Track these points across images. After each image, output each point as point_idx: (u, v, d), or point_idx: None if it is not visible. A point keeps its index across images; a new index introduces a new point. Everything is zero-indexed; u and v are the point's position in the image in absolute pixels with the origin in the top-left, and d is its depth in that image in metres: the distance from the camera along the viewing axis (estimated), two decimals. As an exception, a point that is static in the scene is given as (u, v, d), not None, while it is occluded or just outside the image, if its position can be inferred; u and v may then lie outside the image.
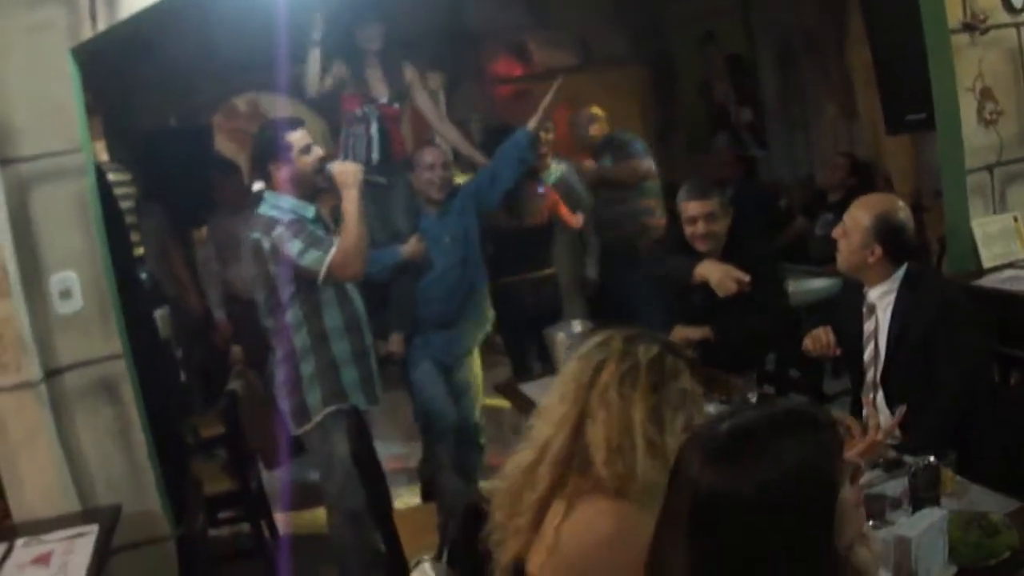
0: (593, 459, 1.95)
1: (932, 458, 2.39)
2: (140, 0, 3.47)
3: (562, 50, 8.79)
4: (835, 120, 7.53)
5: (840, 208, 6.04)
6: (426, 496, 4.98)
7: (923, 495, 2.34)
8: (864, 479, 2.60)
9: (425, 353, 4.75)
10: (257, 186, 3.94)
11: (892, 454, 2.72)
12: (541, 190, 5.48)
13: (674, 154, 8.91)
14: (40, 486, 3.46)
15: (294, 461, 4.88)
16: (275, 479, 5.09)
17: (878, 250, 3.16)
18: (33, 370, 3.42)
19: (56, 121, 3.44)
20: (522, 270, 5.43)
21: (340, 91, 4.85)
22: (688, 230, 4.11)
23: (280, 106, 7.89)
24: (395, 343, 4.68)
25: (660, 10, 8.96)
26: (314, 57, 4.68)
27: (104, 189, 3.75)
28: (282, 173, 3.71)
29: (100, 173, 3.77)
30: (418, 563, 2.54)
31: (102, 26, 3.44)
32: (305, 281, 3.69)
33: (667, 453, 1.84)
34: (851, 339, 3.37)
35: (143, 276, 4.32)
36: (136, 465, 3.66)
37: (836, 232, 3.28)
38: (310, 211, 3.75)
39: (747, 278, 3.95)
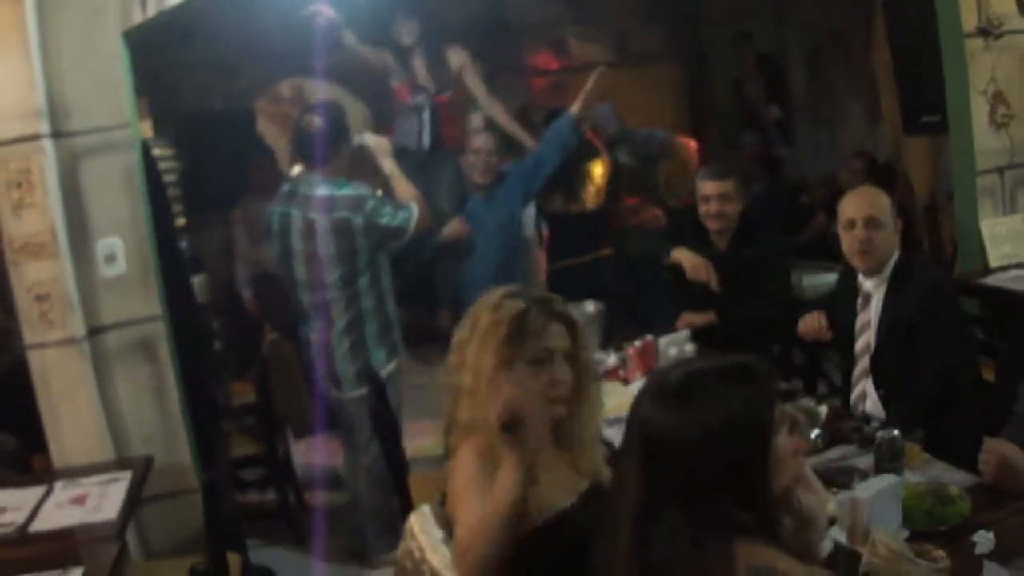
0: (459, 404, 2.20)
1: (896, 432, 2.58)
2: None
3: (599, 45, 8.91)
4: (859, 120, 7.62)
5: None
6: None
7: (886, 466, 2.53)
8: (839, 453, 2.82)
9: None
10: (296, 170, 4.19)
11: (870, 430, 2.89)
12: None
13: (707, 150, 9.02)
14: (79, 436, 3.71)
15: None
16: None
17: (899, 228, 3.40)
18: (77, 327, 3.67)
19: (107, 99, 3.68)
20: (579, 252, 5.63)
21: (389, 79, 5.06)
22: (702, 208, 4.30)
23: (323, 92, 8.16)
24: (443, 318, 4.91)
25: (694, 8, 9.05)
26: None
27: (149, 163, 3.99)
28: (345, 152, 4.04)
29: (146, 148, 4.01)
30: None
31: (151, 12, 3.67)
32: (376, 247, 4.02)
33: (515, 389, 2.07)
34: (845, 327, 3.55)
35: (183, 245, 4.56)
36: (169, 421, 3.89)
37: (856, 234, 3.40)
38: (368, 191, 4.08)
39: (712, 272, 4.19)
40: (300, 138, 4.04)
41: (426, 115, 5.11)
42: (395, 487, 3.58)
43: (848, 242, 3.46)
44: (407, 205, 4.05)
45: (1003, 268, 4.86)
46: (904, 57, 5.57)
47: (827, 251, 6.47)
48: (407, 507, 3.38)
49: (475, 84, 5.39)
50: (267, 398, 4.60)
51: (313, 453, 5.39)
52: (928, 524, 2.30)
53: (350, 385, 4.14)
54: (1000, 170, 4.95)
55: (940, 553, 2.08)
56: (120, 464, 3.65)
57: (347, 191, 3.98)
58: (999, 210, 4.99)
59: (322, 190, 3.97)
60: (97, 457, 3.69)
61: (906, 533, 2.26)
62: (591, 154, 5.72)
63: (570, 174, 5.31)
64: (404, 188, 4.14)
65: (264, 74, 7.94)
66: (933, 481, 2.52)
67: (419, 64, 5.10)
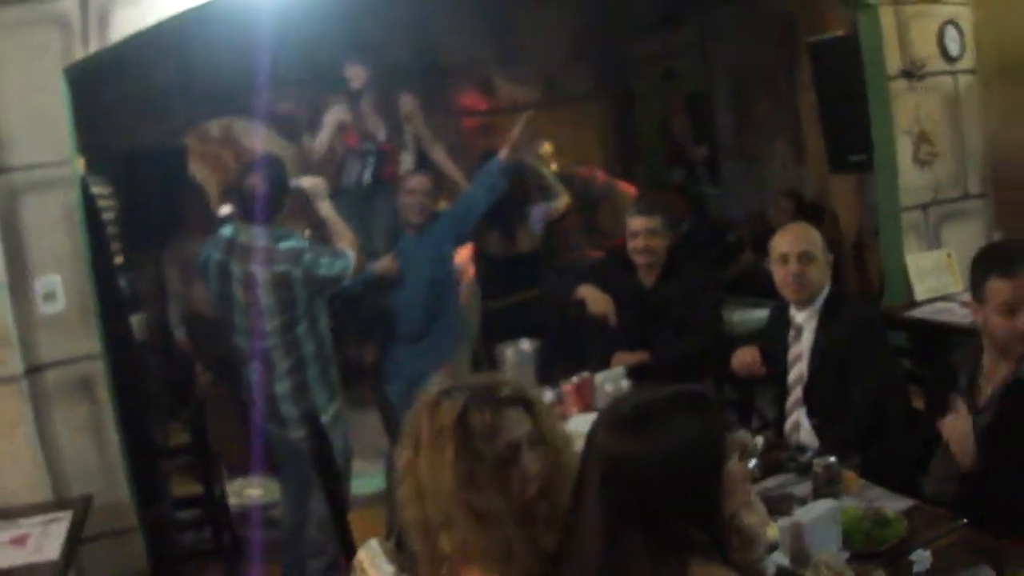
0: (438, 537, 1.89)
1: (832, 459, 2.67)
2: (131, 24, 3.70)
3: (527, 86, 9.06)
4: (785, 159, 7.81)
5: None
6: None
7: (824, 491, 2.62)
8: (776, 481, 2.90)
9: (394, 365, 5.03)
10: (225, 210, 4.23)
11: (806, 459, 2.98)
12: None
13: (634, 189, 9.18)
14: (17, 476, 3.64)
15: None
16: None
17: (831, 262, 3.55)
18: (15, 365, 3.62)
19: (47, 135, 3.66)
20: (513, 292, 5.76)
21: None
22: (631, 244, 4.38)
23: (252, 132, 8.18)
24: (369, 353, 5.01)
25: (622, 48, 9.25)
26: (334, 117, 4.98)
27: (88, 200, 3.97)
28: (281, 212, 4.06)
29: (84, 185, 4.00)
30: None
31: (93, 48, 3.67)
32: (313, 295, 4.03)
33: (493, 511, 1.81)
34: (777, 360, 3.65)
35: (122, 283, 4.54)
36: (108, 460, 3.85)
37: (789, 268, 3.52)
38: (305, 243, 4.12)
39: (611, 308, 4.32)
40: (240, 196, 4.06)
41: (371, 159, 5.18)
42: (337, 525, 3.58)
43: (781, 276, 3.57)
44: (344, 252, 4.07)
45: (929, 301, 5.03)
46: (830, 98, 5.73)
47: (754, 288, 6.63)
48: (349, 545, 3.41)
49: (421, 129, 5.52)
50: (203, 438, 4.57)
51: (248, 492, 5.36)
52: (867, 545, 2.39)
53: (293, 426, 4.14)
54: (924, 206, 5.14)
55: (880, 573, 2.18)
56: (59, 504, 3.59)
57: (286, 244, 4.00)
58: (924, 245, 5.18)
59: (261, 242, 3.99)
60: (35, 497, 3.64)
61: (846, 555, 2.34)
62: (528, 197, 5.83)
63: (508, 216, 5.42)
64: (342, 232, 4.17)
65: (195, 112, 7.95)
66: (870, 505, 2.61)
67: (368, 110, 5.21)
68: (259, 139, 8.13)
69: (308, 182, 4.23)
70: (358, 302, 4.93)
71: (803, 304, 3.56)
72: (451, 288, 5.21)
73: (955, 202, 5.26)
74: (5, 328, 3.60)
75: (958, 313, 4.79)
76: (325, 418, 4.06)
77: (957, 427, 2.67)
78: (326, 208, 4.18)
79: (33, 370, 3.70)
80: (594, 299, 4.40)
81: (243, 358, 4.18)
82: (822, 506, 2.39)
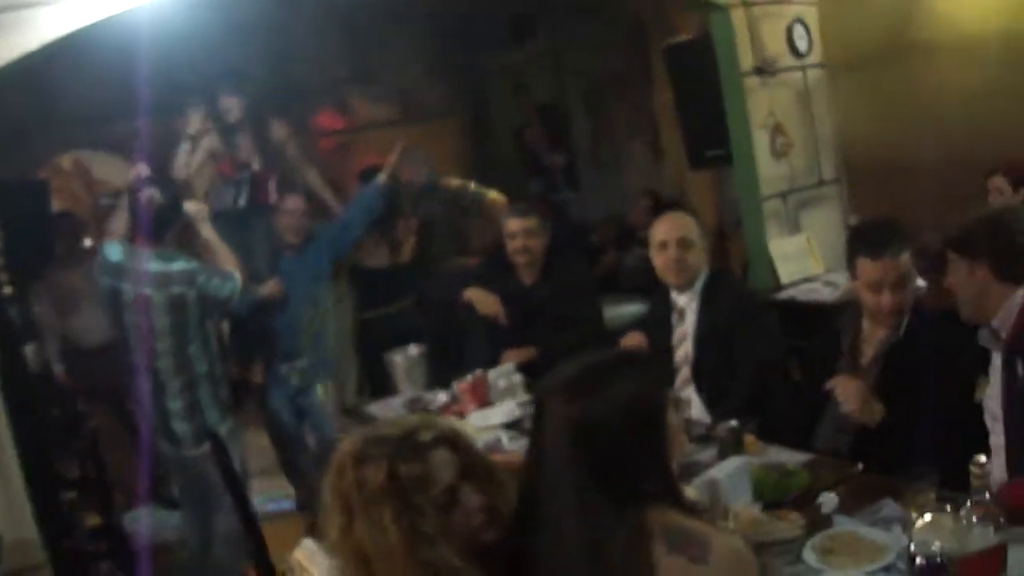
0: None
1: (734, 422, 2.82)
2: (12, 49, 3.66)
3: (383, 102, 9.13)
4: (642, 159, 8.06)
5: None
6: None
7: (730, 452, 2.77)
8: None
9: (277, 381, 5.11)
10: (88, 242, 4.22)
11: (702, 431, 3.13)
12: None
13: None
14: None
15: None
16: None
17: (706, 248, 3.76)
18: (-96, 408, 3.51)
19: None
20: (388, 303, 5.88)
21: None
22: (510, 245, 4.51)
23: (101, 162, 8.01)
24: (256, 373, 5.09)
25: (475, 62, 9.37)
26: (185, 149, 4.97)
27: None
28: (170, 234, 4.08)
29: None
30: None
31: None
32: (203, 315, 4.09)
33: (446, 563, 1.75)
34: (661, 341, 3.81)
35: (11, 314, 4.40)
36: (11, 496, 3.75)
37: (669, 253, 3.69)
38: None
39: (500, 308, 4.45)
40: (135, 214, 4.06)
41: (244, 186, 5.26)
42: (250, 540, 3.57)
43: (662, 261, 3.75)
44: (232, 274, 4.15)
45: (794, 284, 5.29)
46: (686, 97, 5.98)
47: (618, 285, 6.83)
48: (264, 558, 3.40)
49: (294, 153, 5.61)
50: (100, 469, 4.49)
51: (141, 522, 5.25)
52: (776, 495, 2.55)
53: (188, 444, 4.15)
54: (783, 195, 5.43)
55: (795, 515, 2.34)
56: None
57: (179, 266, 4.04)
58: (784, 231, 5.45)
59: (154, 265, 4.00)
60: None
61: (759, 505, 2.47)
62: (399, 210, 5.94)
63: (380, 230, 5.52)
64: (225, 255, 4.25)
65: (52, 144, 7.75)
66: (772, 461, 2.77)
67: (244, 141, 5.27)
68: (112, 170, 8.01)
69: (192, 207, 4.29)
70: (244, 323, 4.95)
71: (684, 287, 3.74)
72: (328, 302, 5.32)
73: (811, 189, 5.56)
74: None
75: (823, 292, 5.09)
76: (222, 432, 4.09)
77: (848, 386, 2.85)
78: (208, 231, 4.26)
79: (-76, 411, 3.59)
80: (482, 300, 4.51)
81: (135, 378, 4.15)
82: (733, 463, 2.54)
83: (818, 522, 2.36)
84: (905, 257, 2.92)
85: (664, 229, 3.77)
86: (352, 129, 8.90)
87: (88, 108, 7.17)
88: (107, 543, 4.58)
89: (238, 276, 4.16)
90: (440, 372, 4.53)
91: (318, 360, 5.22)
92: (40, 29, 3.71)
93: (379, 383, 5.70)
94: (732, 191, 6.17)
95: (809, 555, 2.20)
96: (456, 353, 4.82)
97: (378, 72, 8.93)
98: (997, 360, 2.63)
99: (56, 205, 7.18)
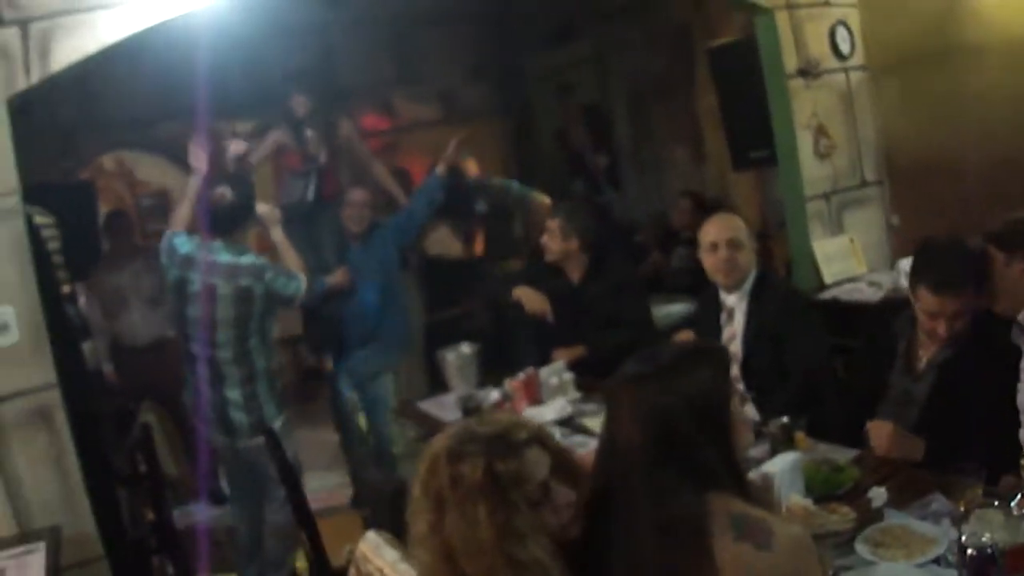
0: None
1: (785, 419, 2.91)
2: (71, 53, 3.74)
3: (426, 104, 9.26)
4: (684, 161, 8.11)
5: (693, 243, 6.65)
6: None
7: (781, 448, 2.85)
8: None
9: (347, 368, 5.35)
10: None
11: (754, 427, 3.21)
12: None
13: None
14: None
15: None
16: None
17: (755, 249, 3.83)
18: (-29, 400, 3.61)
19: (-8, 166, 3.67)
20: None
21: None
22: (541, 241, 4.67)
23: (144, 163, 8.21)
24: (327, 361, 5.39)
25: (518, 64, 9.51)
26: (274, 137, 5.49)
27: (32, 230, 3.99)
28: (240, 231, 4.26)
29: (27, 215, 4.02)
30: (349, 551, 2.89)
31: (36, 78, 3.70)
32: (268, 309, 4.23)
33: (535, 560, 1.79)
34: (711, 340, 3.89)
35: (70, 312, 4.56)
36: (70, 490, 3.84)
37: (719, 255, 3.78)
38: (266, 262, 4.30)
39: (548, 306, 4.58)
40: (210, 209, 4.19)
41: (312, 178, 5.47)
42: (307, 534, 3.67)
43: (712, 262, 3.82)
44: (297, 275, 4.29)
45: (837, 283, 5.35)
46: (730, 99, 6.06)
47: (664, 285, 6.91)
48: (319, 553, 3.51)
49: (360, 148, 5.85)
50: (154, 464, 4.60)
51: (192, 518, 5.39)
52: (827, 489, 2.63)
53: (244, 434, 4.26)
54: (826, 195, 5.47)
55: (846, 508, 2.42)
56: (25, 537, 3.56)
57: (248, 259, 4.19)
58: (828, 232, 5.50)
59: (224, 257, 4.14)
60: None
61: (811, 499, 2.56)
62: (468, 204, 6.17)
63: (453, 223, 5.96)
64: (292, 258, 4.40)
65: (95, 145, 7.96)
66: (822, 457, 2.86)
67: (311, 135, 5.50)
68: (155, 171, 8.21)
69: (264, 209, 4.43)
70: (315, 313, 5.14)
71: (733, 288, 3.81)
72: (397, 293, 5.56)
73: (854, 190, 5.59)
74: (-39, 363, 3.57)
75: (866, 292, 5.13)
76: (276, 427, 4.19)
77: (882, 430, 2.92)
78: (278, 234, 4.40)
79: (-10, 403, 3.68)
80: (530, 299, 4.62)
81: (193, 369, 4.29)
82: (786, 458, 2.61)
83: (869, 516, 2.44)
84: (967, 293, 2.93)
85: (714, 230, 3.85)
86: (397, 130, 9.06)
87: (132, 110, 7.40)
88: (159, 537, 4.71)
89: (303, 278, 4.29)
90: (492, 370, 4.64)
91: (386, 349, 5.44)
92: (99, 32, 3.79)
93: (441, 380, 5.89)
94: (775, 192, 6.23)
95: (862, 547, 2.28)
96: (506, 351, 4.94)
97: (422, 74, 9.08)
98: (1025, 354, 2.74)
99: (103, 206, 7.42)
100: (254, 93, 6.89)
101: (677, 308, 6.00)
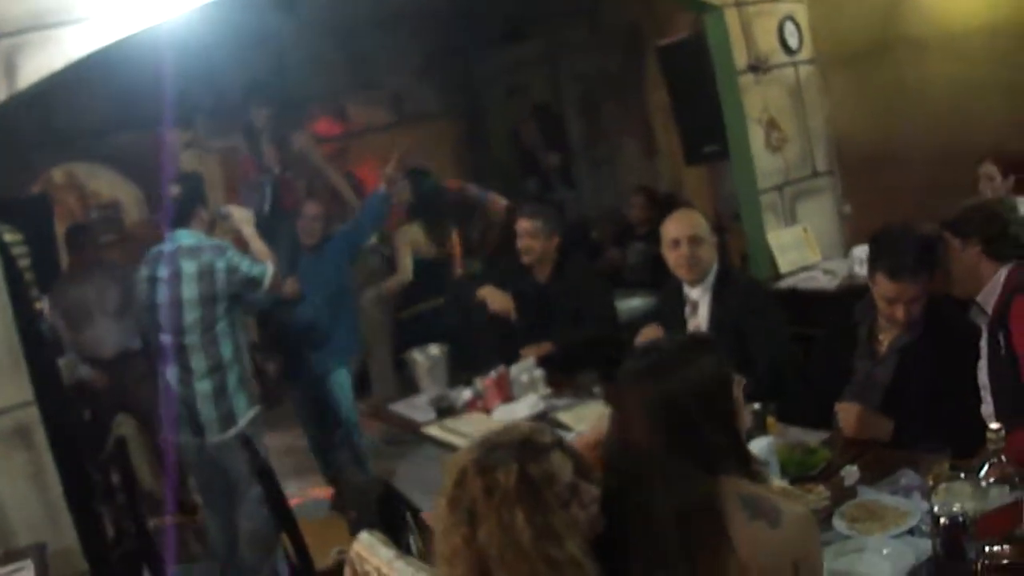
0: None
1: (756, 405, 3.02)
2: (38, 69, 3.77)
3: (377, 108, 9.31)
4: (637, 157, 8.24)
5: (649, 238, 6.79)
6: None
7: (755, 434, 2.94)
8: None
9: (301, 367, 5.46)
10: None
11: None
12: None
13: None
14: None
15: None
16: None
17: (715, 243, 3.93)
18: (-50, 421, 3.62)
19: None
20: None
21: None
22: (520, 243, 4.70)
23: (94, 175, 8.18)
24: (274, 362, 5.51)
25: (467, 66, 9.59)
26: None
27: (2, 247, 4.02)
28: (203, 216, 4.31)
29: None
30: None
31: (3, 96, 3.71)
32: (234, 298, 4.27)
33: (571, 558, 1.83)
34: (676, 333, 4.00)
35: (44, 328, 4.56)
36: (52, 506, 3.88)
37: (681, 251, 3.87)
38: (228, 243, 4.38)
39: (512, 305, 4.66)
40: (186, 198, 4.30)
41: (268, 189, 5.57)
42: (288, 534, 3.71)
43: (674, 258, 3.92)
44: (263, 262, 4.35)
45: (792, 273, 5.49)
46: (681, 96, 6.15)
47: (621, 281, 7.01)
48: (302, 552, 3.55)
49: (317, 159, 5.96)
50: (129, 476, 4.61)
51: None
52: (801, 471, 2.75)
53: (213, 431, 4.28)
54: (779, 187, 5.62)
55: (821, 487, 2.54)
56: (10, 556, 3.55)
57: (208, 240, 4.28)
58: (782, 223, 5.65)
59: (189, 240, 4.23)
60: None
61: (787, 480, 2.67)
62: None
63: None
64: (262, 250, 4.44)
65: (46, 158, 7.92)
66: (793, 440, 2.98)
67: (268, 146, 5.60)
68: (104, 183, 8.19)
69: (236, 211, 4.59)
70: (267, 317, 5.38)
71: (696, 282, 3.92)
72: (347, 299, 5.70)
73: (805, 180, 5.75)
74: (-63, 384, 3.58)
75: (822, 280, 5.29)
76: (243, 422, 4.27)
77: (849, 413, 3.05)
78: (249, 231, 4.49)
79: (-33, 423, 3.68)
80: (494, 298, 4.70)
81: (164, 359, 4.32)
82: (760, 443, 2.72)
83: (843, 494, 2.56)
84: (922, 278, 3.05)
85: (675, 227, 3.93)
86: (349, 135, 9.10)
87: (83, 122, 7.38)
88: (138, 551, 4.73)
89: (270, 265, 4.34)
90: (458, 370, 4.71)
91: (337, 348, 5.55)
92: (65, 48, 3.81)
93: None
94: (728, 185, 6.37)
95: (839, 523, 2.40)
96: (471, 351, 5.02)
97: (373, 77, 9.11)
98: (984, 333, 2.88)
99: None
100: (208, 103, 6.91)
101: (635, 303, 6.10)
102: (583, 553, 1.85)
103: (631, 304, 6.11)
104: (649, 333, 4.06)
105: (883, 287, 3.10)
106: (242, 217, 4.55)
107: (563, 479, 1.88)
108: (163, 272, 4.22)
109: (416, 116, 9.37)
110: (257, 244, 4.45)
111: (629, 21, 7.61)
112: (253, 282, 4.29)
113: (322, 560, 3.68)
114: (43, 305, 4.68)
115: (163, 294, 4.22)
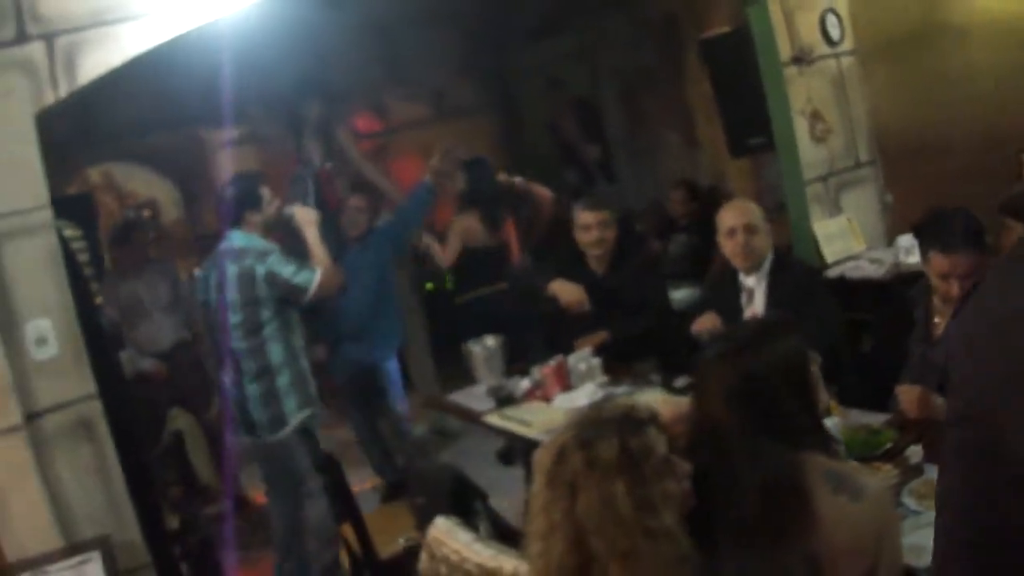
0: (608, 570, 1.89)
1: (820, 389, 3.04)
2: (97, 66, 3.79)
3: (416, 103, 9.35)
4: (678, 149, 8.22)
5: (691, 229, 6.81)
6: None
7: (818, 416, 2.97)
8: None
9: (342, 359, 5.60)
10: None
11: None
12: None
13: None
14: (30, 525, 3.64)
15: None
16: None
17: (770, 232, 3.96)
18: (15, 415, 3.63)
19: (24, 181, 3.70)
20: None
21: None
22: (584, 237, 4.66)
23: (131, 175, 8.27)
24: (319, 351, 5.52)
25: (505, 61, 9.63)
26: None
27: (63, 242, 4.06)
28: (255, 218, 4.30)
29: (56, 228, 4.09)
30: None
31: (63, 92, 3.74)
32: (282, 302, 4.25)
33: (667, 530, 1.88)
34: (732, 322, 4.02)
35: (104, 322, 4.63)
36: (115, 498, 3.88)
37: (737, 239, 3.92)
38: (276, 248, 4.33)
39: (585, 296, 4.60)
40: (236, 199, 4.33)
41: (310, 183, 5.64)
42: (352, 523, 3.76)
43: (731, 247, 3.97)
44: (311, 267, 4.29)
45: (838, 262, 5.50)
46: (725, 88, 6.19)
47: (665, 271, 7.00)
48: (366, 543, 3.60)
49: (354, 154, 6.03)
50: (186, 471, 4.70)
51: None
52: (867, 451, 2.79)
53: (265, 431, 4.30)
54: (824, 178, 5.62)
55: (887, 466, 2.56)
56: (75, 548, 3.60)
57: (256, 243, 4.26)
58: (826, 213, 5.65)
59: (237, 241, 4.26)
60: (47, 544, 3.62)
61: (852, 460, 2.69)
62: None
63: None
64: (321, 256, 4.38)
65: (85, 158, 8.01)
66: (855, 422, 3.00)
67: (311, 141, 5.69)
68: (141, 182, 8.28)
69: (300, 211, 4.53)
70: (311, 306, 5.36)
71: (752, 270, 3.97)
72: (390, 292, 5.78)
73: (849, 171, 5.75)
74: (2, 378, 3.60)
75: (868, 268, 5.29)
76: (294, 423, 4.27)
77: (910, 394, 3.06)
78: (312, 234, 4.42)
79: (32, 417, 3.70)
80: (566, 291, 4.65)
81: (219, 360, 4.40)
82: (826, 424, 2.74)
83: (910, 472, 2.59)
84: (974, 252, 3.09)
85: (731, 216, 3.99)
86: (389, 131, 9.16)
87: (121, 121, 7.45)
88: (196, 543, 4.79)
89: (318, 271, 4.25)
90: (510, 361, 4.77)
91: (380, 340, 5.66)
92: (124, 45, 3.82)
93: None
94: (772, 177, 6.38)
95: (908, 500, 2.44)
96: (524, 341, 5.05)
97: (411, 73, 9.16)
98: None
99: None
100: (250, 101, 6.97)
101: (680, 294, 6.12)
102: (676, 525, 1.90)
103: (676, 295, 6.13)
104: (706, 322, 4.10)
105: (937, 264, 3.14)
106: (306, 218, 4.48)
107: (659, 453, 1.93)
108: (213, 273, 4.30)
109: (455, 111, 9.43)
110: (317, 249, 4.39)
111: (667, 13, 7.61)
112: (296, 289, 4.23)
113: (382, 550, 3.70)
114: (101, 300, 4.72)
115: (212, 295, 4.31)
